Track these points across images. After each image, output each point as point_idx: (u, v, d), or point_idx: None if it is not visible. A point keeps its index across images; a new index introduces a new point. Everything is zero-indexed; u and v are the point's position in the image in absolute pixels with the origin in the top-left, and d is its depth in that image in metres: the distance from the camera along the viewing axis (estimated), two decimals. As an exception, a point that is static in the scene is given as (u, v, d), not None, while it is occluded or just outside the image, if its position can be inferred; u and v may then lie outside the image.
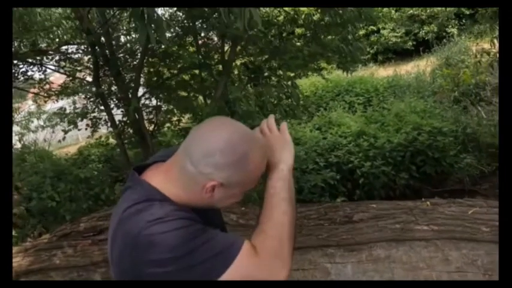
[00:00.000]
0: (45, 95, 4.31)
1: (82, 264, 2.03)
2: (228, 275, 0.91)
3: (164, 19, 3.20)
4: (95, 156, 6.87)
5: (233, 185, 0.97)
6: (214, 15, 2.62)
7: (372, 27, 11.70)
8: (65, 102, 5.08)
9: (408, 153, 5.37)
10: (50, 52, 3.99)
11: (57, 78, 5.03)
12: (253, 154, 0.96)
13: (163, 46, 3.06)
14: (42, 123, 8.47)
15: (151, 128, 3.56)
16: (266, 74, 3.06)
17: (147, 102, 3.63)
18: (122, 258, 0.95)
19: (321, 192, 5.02)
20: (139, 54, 3.45)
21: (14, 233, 3.97)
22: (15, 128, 9.44)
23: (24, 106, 10.12)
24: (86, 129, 3.92)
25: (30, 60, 3.89)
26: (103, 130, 4.73)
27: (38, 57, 3.88)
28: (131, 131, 3.58)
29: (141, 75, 3.41)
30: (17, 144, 8.94)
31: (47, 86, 4.41)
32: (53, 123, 6.21)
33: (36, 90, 4.69)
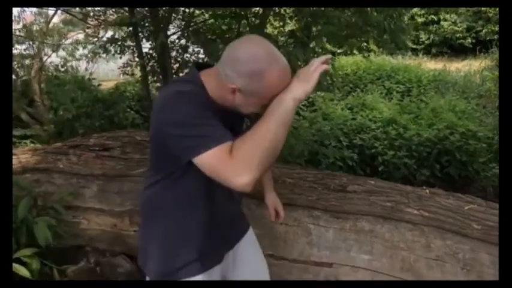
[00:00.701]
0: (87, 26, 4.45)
1: (83, 173, 2.21)
2: (199, 159, 1.05)
3: None
4: (129, 94, 7.11)
5: (249, 94, 1.12)
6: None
7: (432, 16, 11.04)
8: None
9: (435, 150, 5.20)
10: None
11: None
12: (271, 72, 1.08)
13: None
14: (86, 52, 8.77)
15: (175, 66, 3.63)
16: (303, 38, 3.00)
17: (177, 40, 3.67)
18: (152, 118, 1.17)
19: (338, 171, 5.00)
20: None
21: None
22: (62, 53, 9.84)
23: (72, 35, 10.46)
24: (114, 54, 4.04)
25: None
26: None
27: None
28: (156, 65, 3.67)
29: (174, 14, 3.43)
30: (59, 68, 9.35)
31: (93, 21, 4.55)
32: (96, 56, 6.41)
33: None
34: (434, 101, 6.22)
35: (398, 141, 5.27)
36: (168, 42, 3.42)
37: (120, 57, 4.24)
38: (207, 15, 3.51)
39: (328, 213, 1.79)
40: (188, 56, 3.67)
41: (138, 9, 3.67)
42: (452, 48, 12.76)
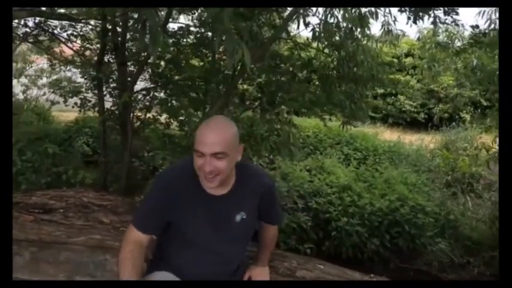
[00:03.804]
0: (53, 60, 4.33)
1: (15, 238, 1.97)
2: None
3: (169, 30, 3.22)
4: (88, 130, 6.84)
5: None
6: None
7: (391, 89, 11.88)
8: (75, 71, 5.06)
9: (386, 221, 5.35)
10: (67, 20, 4.00)
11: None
12: (199, 129, 1.46)
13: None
14: (49, 81, 8.48)
15: (137, 125, 3.56)
16: (265, 106, 3.08)
17: (140, 97, 3.63)
18: None
19: (292, 232, 4.97)
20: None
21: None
22: (23, 80, 9.44)
23: (39, 61, 10.14)
24: (73, 107, 3.91)
25: (44, 27, 3.91)
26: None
27: (53, 24, 3.89)
28: (116, 122, 3.59)
29: (142, 71, 3.44)
30: (19, 95, 8.93)
31: (58, 52, 4.43)
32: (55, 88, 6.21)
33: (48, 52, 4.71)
34: (388, 171, 6.48)
35: (352, 209, 5.38)
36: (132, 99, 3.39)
37: (72, 97, 4.08)
38: (177, 77, 3.54)
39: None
40: (151, 116, 3.62)
41: (106, 62, 3.65)
42: (406, 121, 13.68)
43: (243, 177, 1.51)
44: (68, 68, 4.40)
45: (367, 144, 8.02)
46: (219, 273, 1.54)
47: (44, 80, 9.61)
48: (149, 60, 3.27)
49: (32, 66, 10.04)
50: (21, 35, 4.02)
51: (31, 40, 4.18)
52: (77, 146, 6.33)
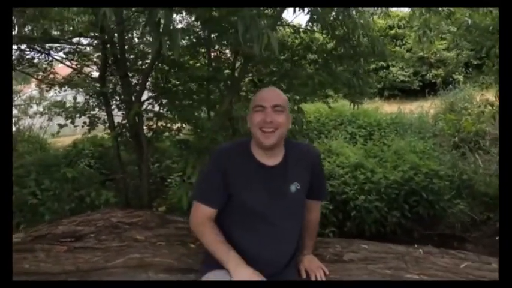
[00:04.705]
0: (48, 83, 4.26)
1: (52, 272, 1.92)
2: (193, 203, 1.61)
3: (180, 27, 3.21)
4: (89, 151, 6.77)
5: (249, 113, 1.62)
6: (231, 31, 2.62)
7: (382, 62, 11.85)
8: (68, 93, 4.99)
9: (403, 191, 5.35)
10: (61, 41, 3.95)
11: (62, 68, 4.97)
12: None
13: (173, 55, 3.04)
14: (41, 109, 8.38)
15: (149, 135, 3.51)
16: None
17: (150, 107, 3.58)
18: None
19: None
20: (150, 58, 3.44)
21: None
22: (13, 111, 9.29)
23: (27, 89, 9.98)
24: (83, 126, 3.85)
25: (38, 48, 3.85)
26: (101, 126, 4.68)
27: (47, 45, 3.84)
28: (129, 134, 3.53)
29: (148, 79, 3.39)
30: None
31: (52, 76, 4.36)
32: (52, 112, 6.13)
33: (40, 78, 4.64)
34: (395, 143, 6.47)
35: (367, 185, 5.37)
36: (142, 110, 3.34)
37: (80, 117, 4.03)
38: (179, 82, 3.50)
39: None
40: (163, 124, 3.58)
41: (109, 76, 3.60)
42: (402, 91, 13.68)
43: (291, 148, 1.62)
44: (64, 89, 4.32)
45: (369, 120, 8.00)
46: (279, 252, 1.57)
47: (35, 108, 9.48)
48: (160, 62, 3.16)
49: (20, 96, 9.89)
50: (14, 62, 3.96)
51: (26, 64, 4.11)
52: (79, 169, 6.26)
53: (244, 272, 1.43)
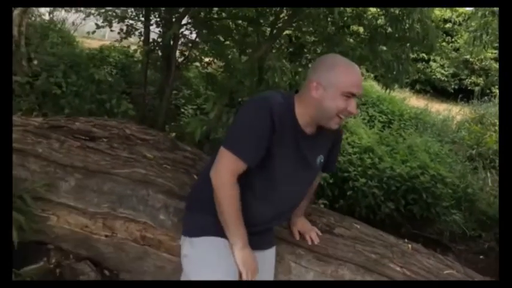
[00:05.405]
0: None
1: (62, 163, 1.98)
2: (221, 150, 1.41)
3: None
4: (113, 60, 6.75)
5: (327, 85, 1.38)
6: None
7: (423, 54, 11.36)
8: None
9: (404, 187, 5.33)
10: None
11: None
12: (340, 64, 1.41)
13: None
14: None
15: (180, 60, 3.44)
16: (309, 56, 2.94)
17: (187, 32, 3.47)
18: None
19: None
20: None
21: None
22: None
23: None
24: (119, 33, 3.76)
25: None
26: (131, 40, 4.59)
27: None
28: (161, 54, 3.47)
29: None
30: (45, 15, 8.75)
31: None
32: (87, 11, 6.03)
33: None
34: (412, 138, 6.38)
35: (371, 171, 5.35)
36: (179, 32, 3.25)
37: (118, 22, 3.93)
38: (224, 14, 3.36)
39: (311, 253, 1.73)
40: (196, 53, 3.46)
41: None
42: (435, 89, 13.22)
43: None
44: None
45: (393, 108, 7.84)
46: (281, 215, 1.62)
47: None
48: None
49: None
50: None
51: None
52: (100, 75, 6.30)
53: (247, 256, 1.45)
